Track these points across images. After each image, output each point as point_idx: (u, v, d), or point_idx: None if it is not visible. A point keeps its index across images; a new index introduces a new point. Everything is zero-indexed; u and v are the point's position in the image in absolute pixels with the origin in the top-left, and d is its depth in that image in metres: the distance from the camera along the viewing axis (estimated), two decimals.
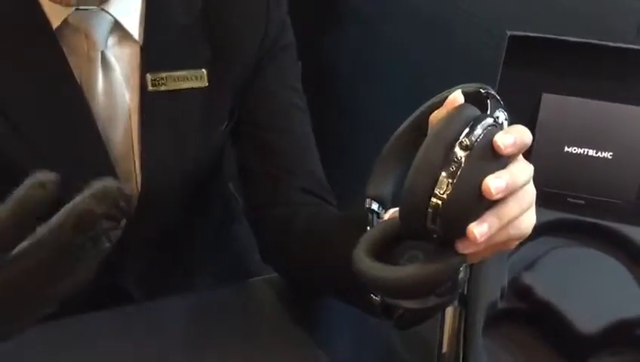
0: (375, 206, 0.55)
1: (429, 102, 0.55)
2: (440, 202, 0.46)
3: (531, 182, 0.50)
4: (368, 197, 0.56)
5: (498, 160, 0.47)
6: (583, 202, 0.74)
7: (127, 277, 0.80)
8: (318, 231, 0.69)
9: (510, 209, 0.48)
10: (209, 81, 0.71)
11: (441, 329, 0.68)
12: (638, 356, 0.64)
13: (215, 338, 0.71)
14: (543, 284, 0.65)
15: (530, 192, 0.50)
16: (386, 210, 0.55)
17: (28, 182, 0.36)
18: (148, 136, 0.70)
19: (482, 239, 0.46)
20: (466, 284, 0.67)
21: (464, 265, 0.51)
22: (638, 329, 0.63)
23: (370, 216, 0.56)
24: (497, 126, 0.49)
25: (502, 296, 0.65)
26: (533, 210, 0.51)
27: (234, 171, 0.80)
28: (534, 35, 0.71)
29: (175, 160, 0.72)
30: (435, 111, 0.52)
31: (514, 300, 0.66)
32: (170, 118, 0.70)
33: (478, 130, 0.47)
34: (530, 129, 0.75)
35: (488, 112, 0.50)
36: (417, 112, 0.55)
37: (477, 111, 0.49)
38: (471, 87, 0.52)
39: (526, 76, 0.72)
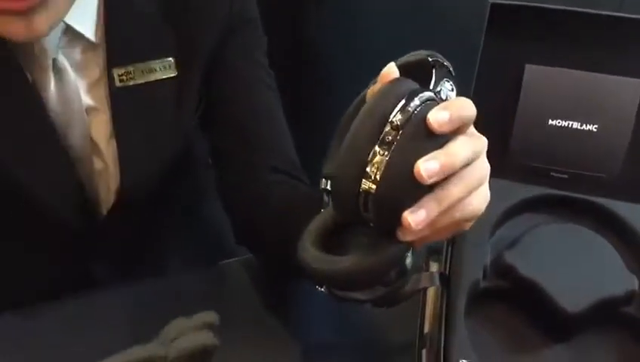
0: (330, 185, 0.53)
1: (367, 89, 0.52)
2: (370, 188, 0.43)
3: (482, 157, 0.47)
4: (324, 177, 0.53)
5: (434, 139, 0.44)
6: (567, 176, 0.72)
7: (98, 265, 0.78)
8: (294, 209, 0.68)
9: (452, 191, 0.45)
10: (178, 69, 0.69)
11: (422, 309, 0.67)
12: (623, 334, 0.62)
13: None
14: (525, 262, 0.62)
15: (478, 169, 0.47)
16: None
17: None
18: (121, 133, 0.68)
19: (419, 227, 0.44)
20: (448, 263, 0.65)
21: (409, 251, 0.49)
22: (623, 306, 0.62)
23: (325, 197, 0.53)
24: (437, 100, 0.46)
25: (484, 275, 0.63)
26: (484, 188, 0.48)
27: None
28: (517, 3, 0.68)
29: (151, 152, 0.71)
30: (371, 87, 0.49)
31: (496, 279, 0.64)
32: (142, 112, 0.69)
33: (412, 107, 0.44)
34: (513, 101, 0.74)
35: (432, 84, 0.47)
36: (369, 85, 0.52)
37: (414, 86, 0.46)
38: (419, 55, 0.49)
39: (509, 46, 0.69)
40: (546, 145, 0.72)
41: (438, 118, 0.43)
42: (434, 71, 0.47)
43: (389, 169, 0.43)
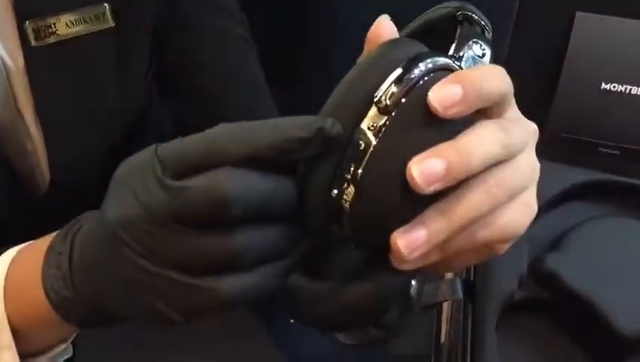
0: None
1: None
2: (344, 197, 0.30)
3: (526, 155, 0.33)
4: None
5: (443, 127, 0.30)
6: (619, 153, 0.61)
7: None
8: None
9: (468, 202, 0.31)
10: (115, 19, 0.54)
11: (438, 318, 0.57)
12: None
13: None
14: (572, 269, 0.52)
15: (514, 172, 0.32)
16: None
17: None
18: (43, 102, 0.54)
19: (415, 253, 0.30)
20: (471, 269, 0.53)
21: (415, 279, 0.37)
22: None
23: None
24: (455, 69, 0.32)
25: (520, 283, 0.52)
26: (527, 196, 0.34)
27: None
28: None
29: (87, 126, 0.57)
30: (364, 51, 0.35)
31: (534, 288, 0.53)
32: (68, 77, 0.55)
33: (411, 79, 0.30)
34: (557, 59, 0.61)
35: (453, 47, 0.33)
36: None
37: (418, 49, 0.32)
38: (445, 7, 0.35)
39: None
40: (596, 114, 0.61)
41: (443, 95, 0.29)
42: (459, 29, 0.34)
43: (371, 169, 0.30)
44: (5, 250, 0.42)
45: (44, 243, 0.39)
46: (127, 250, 0.31)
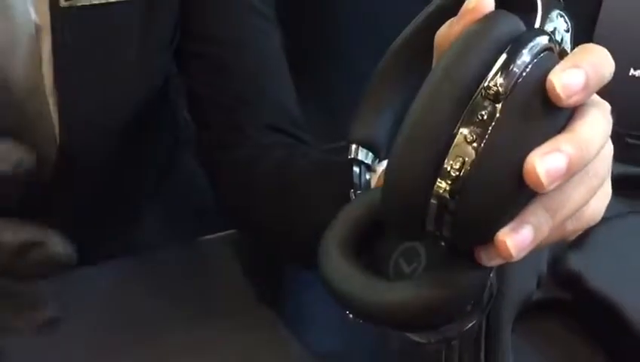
0: (362, 154, 0.40)
1: (430, 6, 0.36)
2: (448, 193, 0.28)
3: (609, 140, 0.31)
4: (353, 143, 0.40)
5: (555, 115, 0.28)
6: None
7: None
8: (290, 181, 0.55)
9: (572, 197, 0.30)
10: None
11: None
12: None
13: (160, 313, 0.58)
14: (597, 269, 0.49)
15: (606, 159, 0.31)
16: (380, 159, 0.41)
17: None
18: (64, 66, 0.54)
19: (523, 252, 0.29)
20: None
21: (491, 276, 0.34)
22: None
23: (356, 169, 0.40)
24: (555, 50, 0.29)
25: (539, 283, 0.49)
26: (607, 184, 0.33)
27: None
28: None
29: (105, 98, 0.57)
30: (446, 25, 0.33)
31: (555, 289, 0.51)
32: (93, 43, 0.54)
33: (521, 62, 0.27)
34: (584, 42, 0.58)
35: (538, 22, 0.30)
36: (421, 17, 0.37)
37: (517, 24, 0.29)
38: None
39: None
40: (623, 102, 0.56)
41: (569, 82, 0.27)
42: (539, 0, 0.31)
43: (480, 164, 0.27)
44: None
45: None
46: None
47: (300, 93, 0.61)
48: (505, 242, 0.28)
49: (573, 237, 0.33)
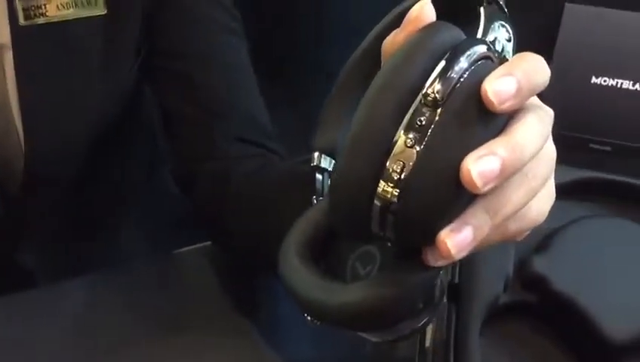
0: (325, 162, 0.41)
1: (389, 16, 0.37)
2: (391, 196, 0.29)
3: (550, 141, 0.33)
4: (315, 151, 0.41)
5: (490, 120, 0.29)
6: (610, 149, 0.59)
7: (27, 255, 0.66)
8: (260, 191, 0.56)
9: (511, 198, 0.31)
10: (107, 5, 0.55)
11: None
12: None
13: (136, 325, 0.59)
14: (561, 272, 0.50)
15: (546, 162, 0.32)
16: None
17: None
18: (26, 82, 0.55)
19: (463, 252, 0.30)
20: (456, 272, 0.51)
21: (440, 274, 0.35)
22: None
23: (319, 176, 0.41)
24: (493, 58, 0.31)
25: (505, 287, 0.50)
26: (550, 184, 0.34)
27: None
28: None
29: (69, 112, 0.57)
30: (392, 34, 0.34)
31: (521, 291, 0.51)
32: (55, 60, 0.55)
33: (457, 70, 0.29)
34: (546, 52, 0.59)
35: (480, 32, 0.32)
36: (376, 29, 0.38)
37: (457, 34, 0.31)
38: None
39: None
40: (587, 109, 0.59)
41: (500, 88, 0.28)
42: (482, 10, 0.33)
43: (420, 167, 0.29)
44: None
45: None
46: None
47: (275, 99, 0.62)
48: (445, 242, 0.29)
49: (520, 238, 0.34)
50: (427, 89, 0.28)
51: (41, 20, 0.53)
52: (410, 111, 0.29)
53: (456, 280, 0.52)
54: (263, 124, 0.61)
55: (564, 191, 0.55)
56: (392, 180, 0.29)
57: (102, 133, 0.61)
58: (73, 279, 0.62)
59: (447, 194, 0.29)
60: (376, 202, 0.29)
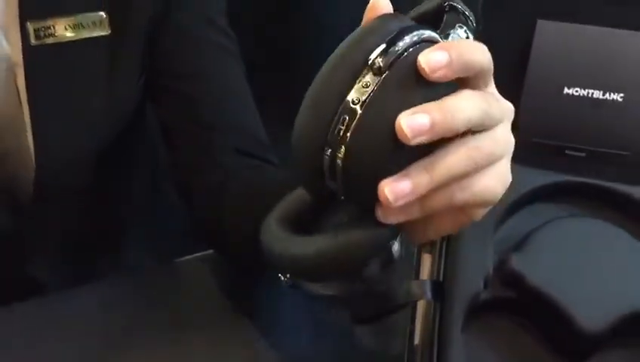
0: None
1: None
2: (337, 146, 0.34)
3: (503, 127, 0.37)
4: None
5: (429, 89, 0.34)
6: (585, 155, 0.61)
7: (38, 268, 0.68)
8: (261, 198, 0.56)
9: (449, 160, 0.34)
10: (112, 27, 0.58)
11: (412, 319, 0.57)
12: None
13: (140, 331, 0.60)
14: (536, 269, 0.52)
15: (492, 140, 0.36)
16: None
17: None
18: (37, 100, 0.58)
19: (400, 201, 0.34)
20: (441, 267, 0.54)
21: (396, 237, 0.39)
22: None
23: None
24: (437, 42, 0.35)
25: (485, 284, 0.53)
26: (501, 167, 0.37)
27: None
28: None
29: (76, 128, 0.60)
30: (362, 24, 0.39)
31: (500, 288, 0.54)
32: (63, 78, 0.59)
33: (401, 46, 0.34)
34: (521, 65, 0.62)
35: (440, 29, 0.37)
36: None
37: (408, 22, 0.36)
38: (434, 1, 0.39)
39: None
40: (561, 118, 0.61)
41: (431, 58, 0.33)
42: (445, 17, 0.38)
43: (361, 125, 0.33)
44: None
45: None
46: None
47: (275, 109, 0.65)
48: (384, 190, 0.33)
49: (476, 217, 0.38)
50: (374, 59, 0.33)
51: (50, 40, 0.56)
52: (360, 77, 0.33)
53: (441, 278, 0.55)
54: (259, 136, 0.64)
55: (541, 194, 0.59)
56: (338, 132, 0.33)
57: (108, 147, 0.63)
58: (77, 288, 0.63)
59: (384, 146, 0.33)
60: (326, 153, 0.34)
